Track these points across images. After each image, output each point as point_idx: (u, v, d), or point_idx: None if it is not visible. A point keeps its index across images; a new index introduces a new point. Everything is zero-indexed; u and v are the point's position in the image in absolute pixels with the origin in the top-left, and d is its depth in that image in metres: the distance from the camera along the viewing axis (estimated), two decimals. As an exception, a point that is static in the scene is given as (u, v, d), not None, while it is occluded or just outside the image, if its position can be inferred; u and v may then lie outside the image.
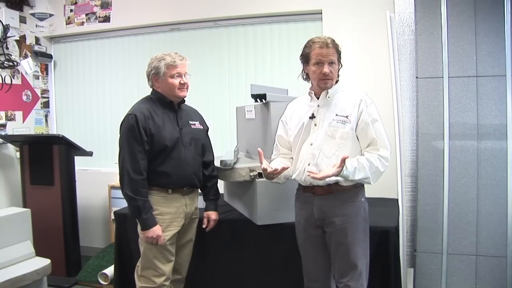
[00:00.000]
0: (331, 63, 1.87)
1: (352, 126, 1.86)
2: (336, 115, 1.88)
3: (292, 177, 1.99)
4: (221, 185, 2.51)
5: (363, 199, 1.93)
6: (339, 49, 1.91)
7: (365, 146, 1.87)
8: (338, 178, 1.81)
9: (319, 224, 1.93)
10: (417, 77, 2.53)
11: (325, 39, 1.89)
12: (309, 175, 1.80)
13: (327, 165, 1.83)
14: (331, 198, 1.88)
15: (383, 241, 2.15)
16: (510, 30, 2.33)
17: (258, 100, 2.48)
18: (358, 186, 1.90)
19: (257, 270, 2.37)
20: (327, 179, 1.80)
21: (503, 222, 2.37)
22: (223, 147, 3.26)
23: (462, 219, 2.43)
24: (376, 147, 1.83)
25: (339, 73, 1.95)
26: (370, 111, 1.87)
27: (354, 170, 1.78)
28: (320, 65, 1.87)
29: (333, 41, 1.90)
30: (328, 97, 1.91)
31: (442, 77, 2.46)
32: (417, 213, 2.52)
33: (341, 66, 1.94)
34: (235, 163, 2.36)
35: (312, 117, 1.93)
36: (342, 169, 1.73)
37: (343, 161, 1.71)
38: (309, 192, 1.94)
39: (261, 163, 1.88)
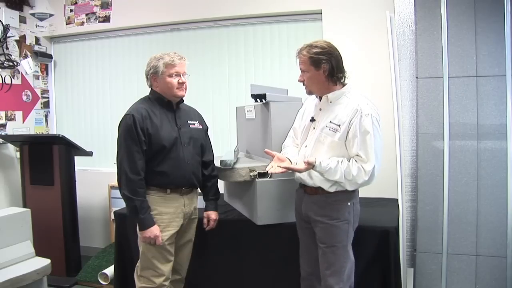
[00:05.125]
0: (302, 71, 1.89)
1: (342, 136, 1.83)
2: (330, 122, 1.86)
3: None
4: (221, 185, 2.51)
5: (349, 204, 1.89)
6: (312, 54, 1.83)
7: (352, 156, 1.84)
8: (318, 183, 1.86)
9: (306, 220, 1.98)
10: (417, 77, 2.53)
11: (297, 49, 1.91)
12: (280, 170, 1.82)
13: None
14: (317, 198, 1.92)
15: (383, 241, 2.15)
16: (510, 30, 2.33)
17: (258, 100, 2.48)
18: (346, 192, 1.88)
19: (257, 270, 2.37)
20: (310, 183, 1.89)
21: (503, 222, 2.37)
22: (223, 147, 3.25)
23: (462, 219, 2.43)
24: (362, 159, 1.80)
25: (345, 76, 1.90)
26: (363, 123, 1.79)
27: (329, 169, 1.79)
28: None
29: (303, 48, 1.87)
30: (330, 102, 1.90)
31: (442, 77, 2.46)
32: (417, 213, 2.51)
33: (324, 70, 1.84)
34: (235, 163, 2.36)
35: (312, 120, 1.95)
36: (311, 167, 1.77)
37: (308, 163, 1.76)
38: (302, 189, 2.00)
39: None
